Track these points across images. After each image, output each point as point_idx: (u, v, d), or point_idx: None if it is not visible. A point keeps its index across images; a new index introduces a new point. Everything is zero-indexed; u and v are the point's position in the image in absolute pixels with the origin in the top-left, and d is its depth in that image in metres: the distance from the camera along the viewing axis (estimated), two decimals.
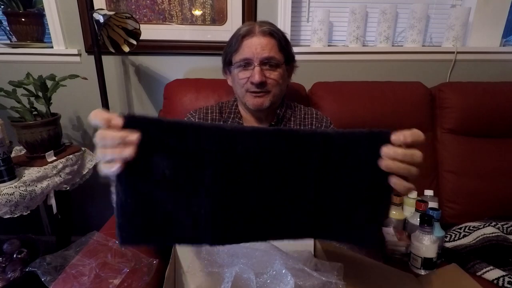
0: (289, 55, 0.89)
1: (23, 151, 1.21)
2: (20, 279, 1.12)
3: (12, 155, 1.23)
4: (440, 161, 1.30)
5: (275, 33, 0.84)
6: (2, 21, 1.42)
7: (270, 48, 0.83)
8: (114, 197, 0.45)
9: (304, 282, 0.57)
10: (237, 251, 0.67)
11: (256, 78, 0.81)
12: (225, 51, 0.91)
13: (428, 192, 1.18)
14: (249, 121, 0.94)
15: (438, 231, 0.99)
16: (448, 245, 1.09)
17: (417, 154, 0.47)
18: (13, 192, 0.97)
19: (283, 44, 0.86)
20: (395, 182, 0.46)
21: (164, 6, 1.37)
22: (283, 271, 0.58)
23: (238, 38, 0.85)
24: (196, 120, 0.92)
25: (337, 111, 1.27)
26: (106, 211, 1.60)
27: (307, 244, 0.73)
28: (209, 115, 0.94)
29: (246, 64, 0.84)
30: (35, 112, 1.18)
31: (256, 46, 0.82)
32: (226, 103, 0.99)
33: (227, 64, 0.92)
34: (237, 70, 0.86)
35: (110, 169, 0.41)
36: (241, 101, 0.91)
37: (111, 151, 0.40)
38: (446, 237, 1.12)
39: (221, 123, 0.89)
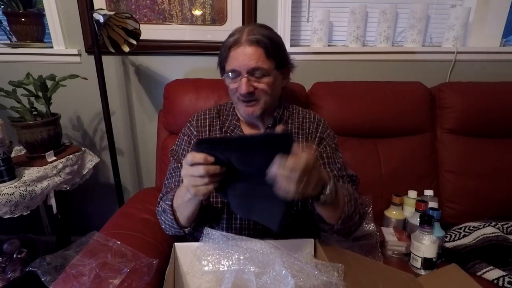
0: (281, 59, 0.87)
1: (23, 151, 1.21)
2: (20, 279, 1.12)
3: (12, 155, 1.23)
4: (440, 161, 1.30)
5: (261, 42, 0.81)
6: (2, 21, 1.42)
7: (256, 57, 0.81)
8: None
9: (304, 283, 0.57)
10: (237, 251, 0.67)
11: (243, 89, 0.81)
12: (219, 56, 0.91)
13: (428, 192, 1.18)
14: (246, 123, 0.95)
15: (438, 231, 0.99)
16: (448, 245, 1.09)
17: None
18: (13, 192, 0.97)
19: (270, 51, 0.82)
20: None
21: (164, 6, 1.37)
22: (283, 272, 0.59)
23: (226, 48, 0.85)
24: (194, 124, 0.95)
25: (337, 111, 1.27)
26: (106, 211, 1.60)
27: (307, 245, 0.73)
28: (207, 120, 0.95)
29: (234, 75, 0.84)
30: (35, 112, 1.18)
31: (243, 57, 0.81)
32: (225, 105, 1.00)
33: (222, 69, 0.92)
34: (228, 80, 0.87)
35: (206, 190, 0.64)
36: (236, 107, 0.93)
37: (201, 180, 0.63)
38: (446, 237, 1.12)
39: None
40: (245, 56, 0.81)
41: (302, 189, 0.58)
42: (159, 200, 0.88)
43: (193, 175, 0.63)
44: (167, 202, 0.81)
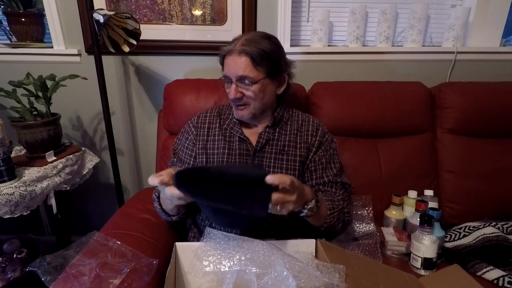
0: (274, 67, 0.91)
1: (23, 151, 1.21)
2: (20, 279, 1.12)
3: (12, 155, 1.23)
4: (440, 161, 1.30)
5: (249, 52, 0.86)
6: (2, 21, 1.42)
7: (244, 67, 0.87)
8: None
9: (306, 284, 0.57)
10: (239, 251, 0.67)
11: (232, 94, 0.89)
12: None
13: (428, 192, 1.18)
14: (244, 123, 0.99)
15: (438, 231, 0.99)
16: (448, 245, 1.09)
17: (286, 198, 0.67)
18: (13, 192, 0.97)
19: (258, 61, 0.87)
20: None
21: (164, 6, 1.37)
22: (285, 273, 0.58)
23: (221, 56, 0.93)
24: (195, 122, 1.01)
25: (337, 111, 1.27)
26: (106, 211, 1.60)
27: (308, 245, 0.73)
28: (207, 118, 1.01)
29: (227, 80, 0.92)
30: (35, 112, 1.18)
31: (233, 66, 0.88)
32: (226, 106, 1.05)
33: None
34: (225, 84, 0.95)
35: (179, 203, 0.74)
36: None
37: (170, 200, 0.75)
38: (446, 237, 1.12)
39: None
40: (235, 64, 0.87)
41: (288, 208, 0.68)
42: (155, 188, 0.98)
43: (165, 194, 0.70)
44: (155, 193, 0.92)
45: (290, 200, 0.67)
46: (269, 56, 0.88)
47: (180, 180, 0.64)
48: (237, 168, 0.86)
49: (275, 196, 0.64)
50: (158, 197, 0.90)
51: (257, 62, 0.87)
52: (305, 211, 0.75)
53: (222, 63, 0.94)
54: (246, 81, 0.88)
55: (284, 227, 0.89)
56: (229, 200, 0.64)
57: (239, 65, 0.87)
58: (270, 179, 0.62)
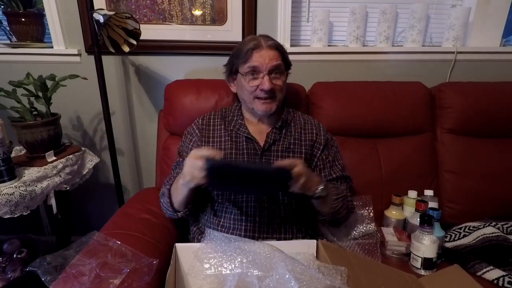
0: (287, 63, 1.02)
1: (23, 151, 1.21)
2: (20, 279, 1.12)
3: (12, 155, 1.23)
4: (440, 161, 1.30)
5: (278, 46, 0.97)
6: (2, 21, 1.42)
7: (277, 58, 0.95)
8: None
9: (308, 287, 0.57)
10: (240, 253, 0.66)
11: (267, 85, 0.93)
12: (231, 62, 1.01)
13: (428, 192, 1.18)
14: (251, 122, 1.04)
15: (438, 231, 0.99)
16: (448, 245, 1.10)
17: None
18: (13, 192, 0.97)
19: (284, 55, 0.99)
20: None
21: (164, 6, 1.36)
22: (287, 275, 0.58)
23: (248, 51, 0.95)
24: (199, 124, 1.04)
25: (337, 111, 1.27)
26: (106, 211, 1.60)
27: (309, 246, 0.73)
28: (211, 120, 1.04)
29: (255, 73, 0.95)
30: (35, 112, 1.18)
31: (265, 58, 0.93)
32: (229, 108, 1.09)
33: (233, 73, 1.02)
34: (247, 79, 0.96)
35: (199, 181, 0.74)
36: (249, 107, 1.01)
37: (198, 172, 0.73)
38: (446, 237, 1.12)
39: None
40: (268, 57, 0.94)
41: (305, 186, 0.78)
42: (162, 185, 1.02)
43: (194, 166, 0.73)
44: (166, 187, 0.95)
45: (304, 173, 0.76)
46: (286, 52, 1.01)
47: (212, 174, 0.71)
48: (253, 164, 0.93)
49: (297, 168, 0.74)
50: (169, 190, 0.92)
51: (284, 57, 0.98)
52: (318, 190, 0.82)
53: (246, 58, 0.95)
54: (277, 72, 0.95)
55: (291, 218, 0.94)
56: (254, 188, 0.76)
57: (272, 56, 0.94)
58: (285, 162, 0.74)
